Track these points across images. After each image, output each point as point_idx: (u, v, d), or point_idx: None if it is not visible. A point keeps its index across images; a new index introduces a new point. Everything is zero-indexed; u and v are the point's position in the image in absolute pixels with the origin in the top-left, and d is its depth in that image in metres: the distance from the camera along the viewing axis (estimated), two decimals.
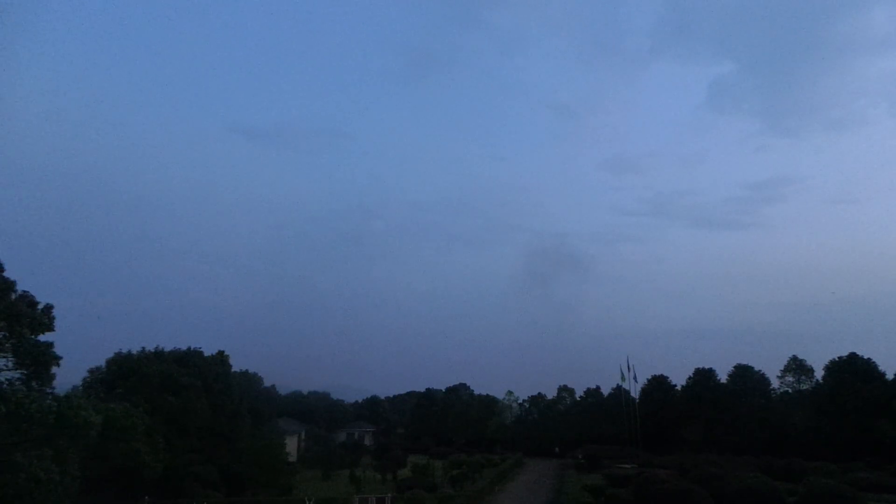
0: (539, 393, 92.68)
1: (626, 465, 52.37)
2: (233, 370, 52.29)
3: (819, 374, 69.10)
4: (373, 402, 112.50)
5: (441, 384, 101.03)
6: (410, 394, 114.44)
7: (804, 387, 71.54)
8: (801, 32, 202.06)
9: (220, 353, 48.56)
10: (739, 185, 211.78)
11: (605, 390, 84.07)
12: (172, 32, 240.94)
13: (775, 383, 73.15)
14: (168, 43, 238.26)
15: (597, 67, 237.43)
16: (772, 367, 74.46)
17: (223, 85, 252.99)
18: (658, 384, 77.43)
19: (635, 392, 69.32)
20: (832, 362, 66.08)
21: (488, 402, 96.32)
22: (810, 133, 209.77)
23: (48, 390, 25.98)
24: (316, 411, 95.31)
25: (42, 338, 26.13)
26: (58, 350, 26.58)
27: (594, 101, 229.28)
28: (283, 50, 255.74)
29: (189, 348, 46.60)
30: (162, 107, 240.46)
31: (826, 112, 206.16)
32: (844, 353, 65.57)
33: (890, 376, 62.55)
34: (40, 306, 26.14)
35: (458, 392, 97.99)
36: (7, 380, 24.90)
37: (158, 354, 43.69)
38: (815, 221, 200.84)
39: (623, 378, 67.17)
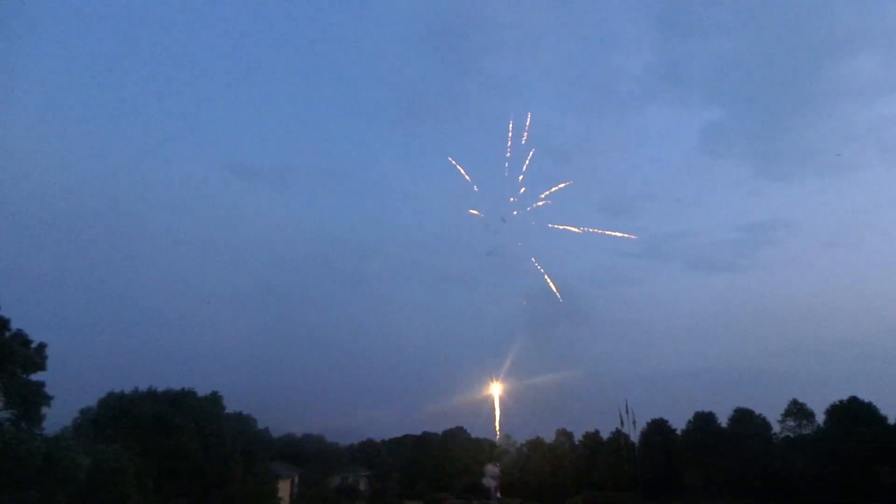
0: (537, 436, 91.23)
1: None
2: (226, 411, 51.74)
3: (820, 417, 68.27)
4: (368, 445, 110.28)
5: (438, 427, 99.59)
6: (406, 437, 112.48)
7: (805, 431, 70.40)
8: (790, 79, 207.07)
9: (214, 393, 48.30)
10: (734, 228, 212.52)
11: (605, 434, 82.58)
12: (168, 72, 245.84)
13: (776, 427, 72.01)
14: (162, 83, 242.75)
15: (590, 112, 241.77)
16: (772, 411, 73.15)
17: (219, 124, 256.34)
18: (658, 428, 76.23)
19: (635, 436, 68.46)
20: (833, 406, 65.39)
21: (486, 445, 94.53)
22: (802, 177, 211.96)
23: (37, 431, 25.75)
24: (310, 454, 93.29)
25: (34, 377, 26.08)
26: (50, 388, 26.52)
27: (588, 144, 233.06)
28: (280, 91, 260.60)
29: (182, 389, 46.30)
30: (158, 145, 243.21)
31: (817, 157, 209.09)
32: (845, 397, 65.03)
33: (891, 420, 61.88)
34: (33, 345, 26.17)
35: (455, 435, 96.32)
36: None
37: (151, 394, 43.36)
38: (811, 264, 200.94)
39: (622, 422, 66.43)
